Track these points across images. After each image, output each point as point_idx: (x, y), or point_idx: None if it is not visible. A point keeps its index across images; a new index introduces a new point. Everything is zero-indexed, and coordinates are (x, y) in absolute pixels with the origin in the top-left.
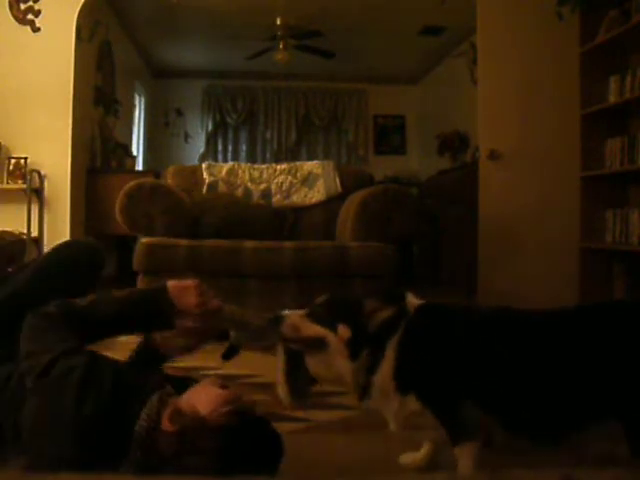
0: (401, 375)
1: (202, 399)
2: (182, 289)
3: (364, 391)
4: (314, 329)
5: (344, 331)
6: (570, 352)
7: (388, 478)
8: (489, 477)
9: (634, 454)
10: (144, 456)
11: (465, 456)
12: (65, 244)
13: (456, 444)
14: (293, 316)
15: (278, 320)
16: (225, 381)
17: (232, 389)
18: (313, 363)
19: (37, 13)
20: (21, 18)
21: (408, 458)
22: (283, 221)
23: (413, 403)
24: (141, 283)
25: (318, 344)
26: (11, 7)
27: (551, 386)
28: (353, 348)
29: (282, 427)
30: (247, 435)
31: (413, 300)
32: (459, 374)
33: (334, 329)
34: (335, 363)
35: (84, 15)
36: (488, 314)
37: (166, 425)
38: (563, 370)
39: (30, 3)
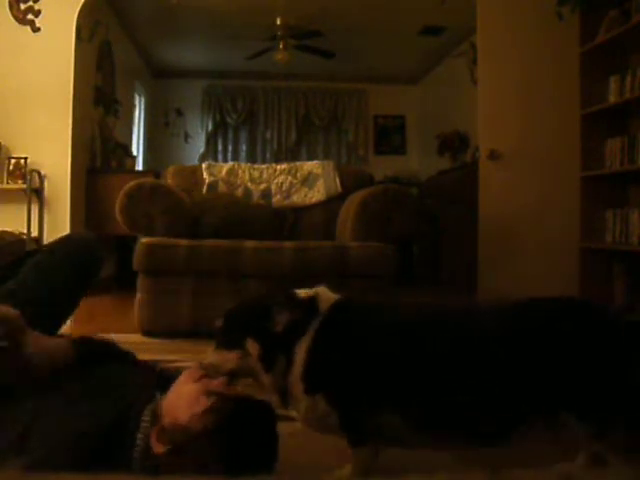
0: (309, 376)
1: (180, 404)
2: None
3: (284, 396)
4: (229, 360)
5: (253, 347)
6: (499, 349)
7: (388, 478)
8: (489, 477)
9: (587, 441)
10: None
11: (359, 460)
12: (61, 241)
13: (354, 447)
14: (209, 356)
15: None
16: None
17: (210, 379)
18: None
19: (37, 13)
20: (21, 18)
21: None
22: (283, 221)
23: (322, 405)
24: (141, 283)
25: (241, 368)
26: (11, 7)
27: (478, 385)
28: (266, 360)
29: (282, 427)
30: (240, 425)
31: (327, 295)
32: (370, 376)
33: (244, 347)
34: (262, 382)
35: (84, 15)
36: (408, 312)
37: (157, 448)
38: (490, 368)
39: (30, 3)
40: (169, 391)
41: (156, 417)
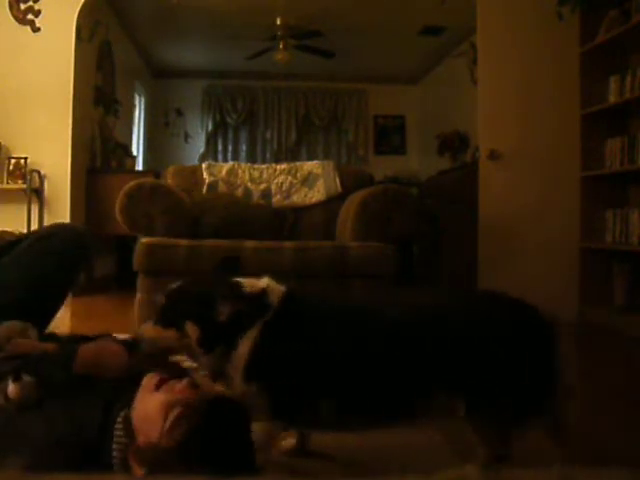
0: (252, 367)
1: (148, 420)
2: (98, 354)
3: (220, 376)
4: (167, 337)
5: (192, 330)
6: (408, 340)
7: (388, 478)
8: (490, 477)
9: (471, 415)
10: None
11: (267, 432)
12: (47, 235)
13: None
14: (147, 330)
15: (139, 339)
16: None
17: (172, 383)
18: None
19: (37, 13)
20: (21, 18)
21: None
22: (283, 221)
23: (258, 392)
24: (141, 283)
25: (179, 347)
26: (11, 7)
27: (393, 369)
28: (205, 345)
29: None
30: (210, 430)
31: (276, 288)
32: (309, 368)
33: (183, 328)
34: (197, 356)
35: (84, 15)
36: (342, 309)
37: (136, 470)
38: (403, 354)
39: (30, 3)
40: (136, 400)
41: (130, 430)
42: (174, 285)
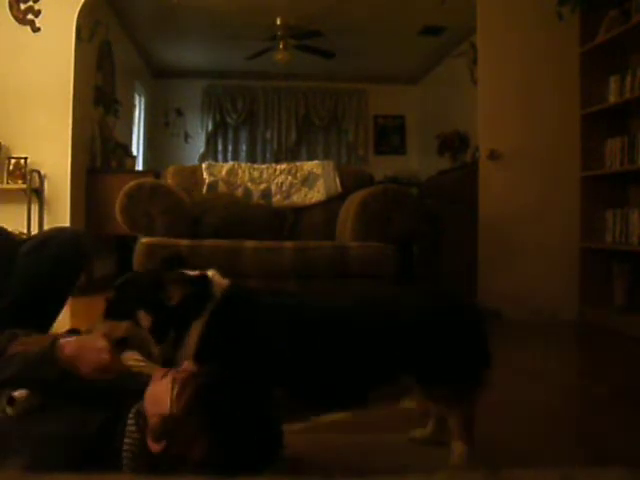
0: (200, 355)
1: (157, 399)
2: (80, 351)
3: (169, 366)
4: (119, 328)
5: (145, 319)
6: (358, 331)
7: (388, 478)
8: (489, 477)
9: (425, 396)
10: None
11: None
12: (47, 239)
13: None
14: (101, 325)
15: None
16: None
17: (175, 370)
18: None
19: (37, 13)
20: (21, 18)
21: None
22: (283, 221)
23: None
24: None
25: (131, 337)
26: (11, 7)
27: (344, 358)
28: (157, 332)
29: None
30: (215, 390)
31: (219, 279)
32: (253, 357)
33: (135, 319)
34: (150, 347)
35: (84, 15)
36: (287, 303)
37: (154, 448)
38: (354, 345)
39: (30, 3)
40: (146, 392)
41: (142, 424)
42: (121, 279)
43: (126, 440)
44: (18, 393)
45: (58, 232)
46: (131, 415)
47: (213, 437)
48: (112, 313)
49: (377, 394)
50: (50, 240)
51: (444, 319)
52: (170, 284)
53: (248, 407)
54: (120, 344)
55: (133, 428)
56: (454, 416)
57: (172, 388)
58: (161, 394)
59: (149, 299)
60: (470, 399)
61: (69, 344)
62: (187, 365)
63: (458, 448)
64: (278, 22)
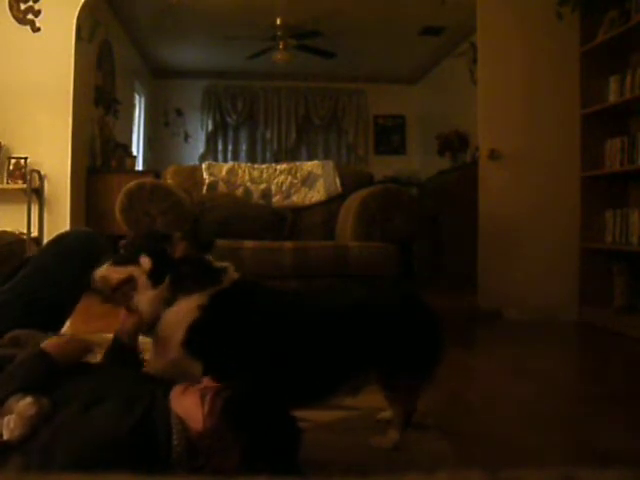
0: (191, 340)
1: (189, 416)
2: (62, 347)
3: (152, 326)
4: (120, 272)
5: (145, 261)
6: (335, 331)
7: (388, 478)
8: (489, 477)
9: (385, 388)
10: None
11: None
12: (61, 237)
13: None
14: (99, 270)
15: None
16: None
17: (192, 385)
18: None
19: (37, 13)
20: (21, 18)
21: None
22: (283, 221)
23: (188, 362)
24: None
25: (130, 285)
26: (11, 7)
27: (318, 353)
28: (155, 275)
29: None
30: (243, 399)
31: (233, 272)
32: (238, 349)
33: (137, 263)
34: (142, 297)
35: (84, 15)
36: (286, 297)
37: (208, 422)
38: (328, 341)
39: (30, 3)
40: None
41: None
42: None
43: (175, 436)
44: (23, 401)
45: (74, 230)
46: (174, 414)
47: (247, 447)
48: (117, 260)
49: (346, 386)
50: (67, 235)
51: (407, 318)
52: (178, 240)
53: (274, 413)
54: (122, 285)
55: (177, 420)
56: (399, 406)
57: (202, 404)
58: (191, 409)
59: (153, 246)
60: (417, 392)
61: (51, 340)
62: (207, 381)
63: (393, 435)
64: (278, 22)
